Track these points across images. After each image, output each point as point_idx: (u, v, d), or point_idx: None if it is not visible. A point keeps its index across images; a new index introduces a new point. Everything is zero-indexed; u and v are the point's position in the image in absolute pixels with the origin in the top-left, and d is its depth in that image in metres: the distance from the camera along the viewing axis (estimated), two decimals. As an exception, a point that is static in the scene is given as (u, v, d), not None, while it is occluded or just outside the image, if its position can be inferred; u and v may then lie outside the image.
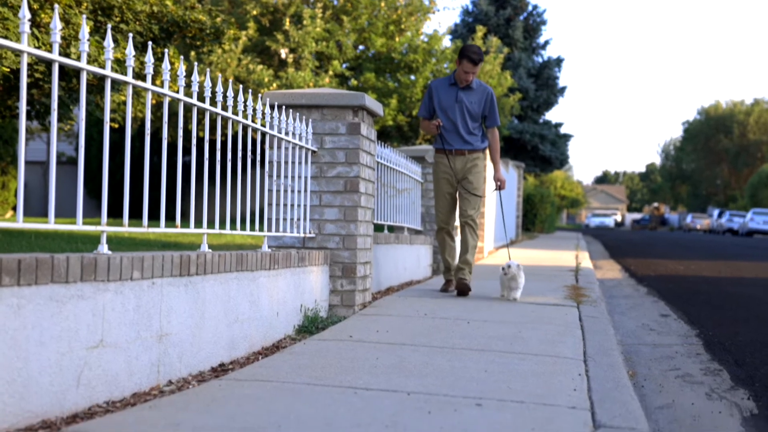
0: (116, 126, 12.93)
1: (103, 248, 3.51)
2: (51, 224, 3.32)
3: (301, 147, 5.75)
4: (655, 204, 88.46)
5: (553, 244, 20.76)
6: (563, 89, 34.70)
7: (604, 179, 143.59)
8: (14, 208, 17.43)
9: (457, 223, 7.87)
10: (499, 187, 7.70)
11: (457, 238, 7.95)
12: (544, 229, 32.15)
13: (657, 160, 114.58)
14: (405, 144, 20.94)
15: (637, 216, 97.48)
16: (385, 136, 20.10)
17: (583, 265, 12.71)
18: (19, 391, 2.91)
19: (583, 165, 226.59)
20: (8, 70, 8.27)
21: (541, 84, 33.90)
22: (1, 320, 2.83)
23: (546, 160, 33.66)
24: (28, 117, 11.02)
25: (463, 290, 7.34)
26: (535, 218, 31.56)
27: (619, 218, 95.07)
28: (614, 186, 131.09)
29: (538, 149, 32.87)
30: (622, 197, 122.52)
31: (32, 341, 2.96)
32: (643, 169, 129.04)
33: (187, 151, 17.41)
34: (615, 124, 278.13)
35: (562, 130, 34.80)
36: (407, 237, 9.03)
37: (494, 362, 4.27)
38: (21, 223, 3.18)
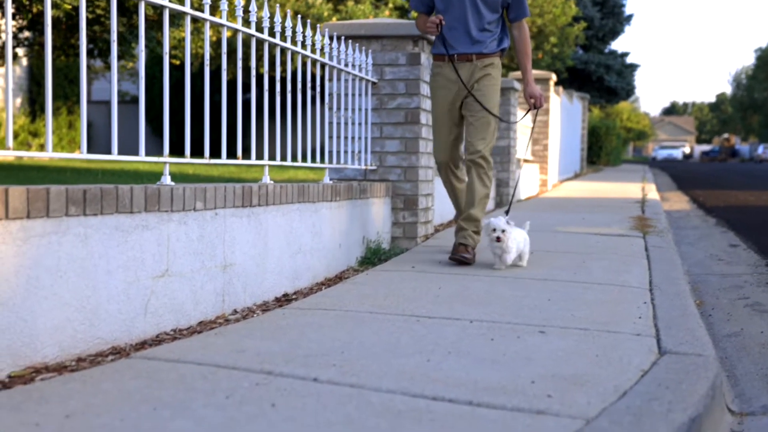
0: (177, 63, 12.98)
1: (166, 179, 3.54)
2: (114, 155, 3.35)
3: (361, 78, 5.71)
4: (725, 135, 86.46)
5: (618, 177, 20.46)
6: (629, 17, 33.85)
7: (672, 110, 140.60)
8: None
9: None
10: (534, 105, 5.32)
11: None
12: (609, 162, 31.68)
13: (727, 90, 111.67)
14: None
15: (706, 148, 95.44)
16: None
17: (649, 196, 12.51)
18: (89, 318, 2.98)
19: (651, 96, 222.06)
20: (70, 7, 8.32)
21: (607, 12, 33.10)
22: (69, 249, 2.88)
23: (611, 91, 33.02)
24: (91, 55, 11.12)
25: (461, 260, 5.11)
26: (600, 151, 31.09)
27: (687, 150, 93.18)
28: (682, 117, 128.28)
29: (603, 80, 32.24)
30: (691, 129, 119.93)
31: (100, 270, 3.02)
32: (712, 99, 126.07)
33: (246, 88, 17.43)
34: (684, 53, 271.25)
35: (629, 60, 34.09)
36: (470, 169, 8.97)
37: (557, 291, 4.24)
38: (85, 154, 3.22)
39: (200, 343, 3.08)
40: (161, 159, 3.58)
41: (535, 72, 14.23)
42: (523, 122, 12.13)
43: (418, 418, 2.22)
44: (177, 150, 11.81)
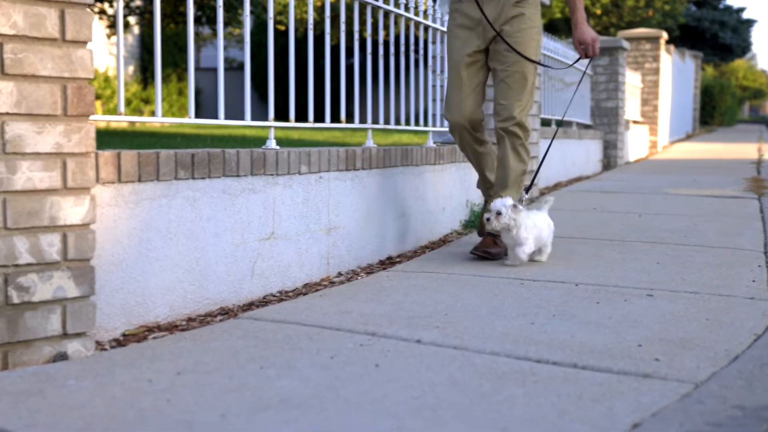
0: (282, 29, 13.08)
1: (272, 143, 3.59)
2: (221, 120, 3.42)
3: (464, 40, 5.64)
4: None
5: (732, 137, 19.80)
6: (745, -28, 32.49)
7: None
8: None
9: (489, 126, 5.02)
10: (586, 54, 4.11)
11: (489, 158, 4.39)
12: (723, 122, 30.67)
13: None
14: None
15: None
16: (552, 29, 19.53)
17: (766, 157, 12.07)
18: (198, 280, 3.06)
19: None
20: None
21: (721, -33, 31.88)
22: (178, 212, 2.96)
23: (726, 48, 31.85)
24: (199, 22, 11.33)
25: (485, 256, 4.06)
26: (714, 111, 30.12)
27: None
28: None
29: (717, 37, 31.10)
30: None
31: (208, 232, 3.09)
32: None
33: (350, 52, 17.48)
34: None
35: (744, 15, 32.80)
36: (575, 132, 8.82)
37: (667, 254, 4.14)
38: (193, 119, 3.29)
39: (305, 304, 3.13)
40: (266, 123, 3.63)
41: (645, 30, 13.85)
42: (630, 81, 11.85)
43: (521, 380, 2.21)
44: (282, 115, 12.01)
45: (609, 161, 10.39)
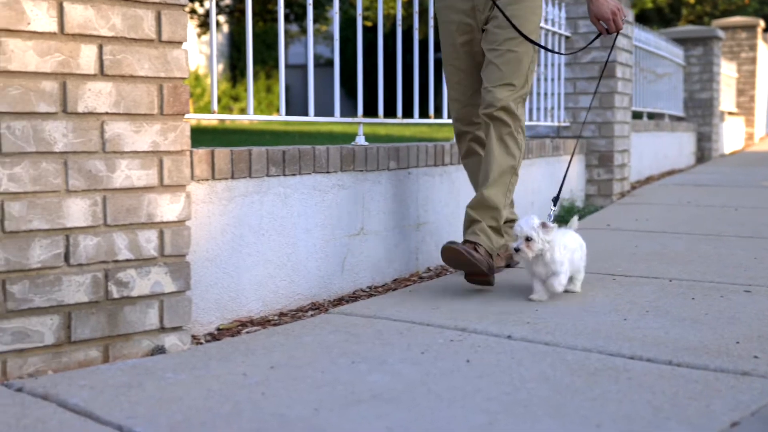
0: (369, 24, 13.14)
1: (361, 139, 3.61)
2: (311, 117, 3.46)
3: (553, 33, 5.59)
4: None
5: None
6: None
7: None
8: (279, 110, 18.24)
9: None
10: (608, 30, 3.42)
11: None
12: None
13: None
14: (665, 27, 19.86)
15: None
16: (643, 19, 19.15)
17: None
18: (289, 275, 3.10)
19: None
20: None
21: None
22: (270, 208, 3.01)
23: (825, 36, 30.73)
24: (287, 20, 11.46)
25: (470, 272, 3.24)
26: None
27: None
28: None
29: (816, 25, 30.04)
30: None
31: (299, 228, 3.13)
32: None
33: (438, 47, 17.45)
34: None
35: None
36: (668, 124, 8.64)
37: (765, 249, 4.03)
38: (284, 116, 3.33)
39: (395, 299, 3.15)
40: (355, 120, 3.66)
41: (741, 19, 13.47)
42: (725, 71, 11.54)
43: (614, 377, 2.18)
44: (369, 111, 12.08)
45: (703, 154, 10.15)
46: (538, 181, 5.07)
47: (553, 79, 5.68)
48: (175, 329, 2.51)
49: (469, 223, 3.31)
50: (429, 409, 1.98)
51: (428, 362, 2.35)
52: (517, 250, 3.04)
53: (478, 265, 3.12)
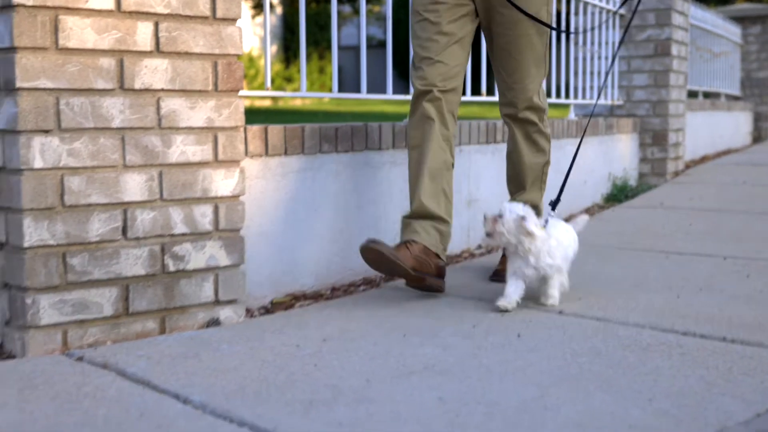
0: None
1: (412, 117, 3.61)
2: (363, 94, 3.47)
3: (607, 11, 5.53)
4: None
5: None
6: None
7: None
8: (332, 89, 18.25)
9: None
10: None
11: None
12: None
13: None
14: (722, 5, 19.49)
15: None
16: (699, -2, 18.81)
17: None
18: (342, 250, 3.13)
19: None
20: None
21: None
22: (322, 184, 3.03)
23: None
24: (340, 1, 11.48)
25: (391, 273, 2.81)
26: None
27: None
28: None
29: None
30: None
31: (351, 204, 3.16)
32: None
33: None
34: None
35: None
36: (724, 103, 8.50)
37: (822, 228, 3.97)
38: (336, 93, 3.36)
39: (447, 275, 3.15)
40: (407, 97, 3.66)
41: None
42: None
43: (667, 353, 2.17)
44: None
45: (760, 134, 9.96)
46: (591, 160, 5.03)
47: (606, 58, 5.62)
48: (229, 302, 2.56)
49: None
50: (480, 381, 1.99)
51: (479, 336, 2.36)
52: (488, 234, 2.63)
53: (400, 265, 2.63)
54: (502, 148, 3.97)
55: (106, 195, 2.31)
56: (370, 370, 2.07)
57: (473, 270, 3.24)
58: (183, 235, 2.46)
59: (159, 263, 2.42)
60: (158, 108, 2.39)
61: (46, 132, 2.21)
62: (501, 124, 3.98)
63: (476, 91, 4.21)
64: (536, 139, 3.09)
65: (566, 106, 5.15)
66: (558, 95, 5.04)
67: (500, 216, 2.59)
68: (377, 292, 2.92)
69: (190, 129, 2.45)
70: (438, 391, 1.92)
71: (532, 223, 2.57)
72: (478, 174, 3.84)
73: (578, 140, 4.74)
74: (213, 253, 2.51)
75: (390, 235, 3.32)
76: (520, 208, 2.62)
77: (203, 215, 2.49)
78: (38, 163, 2.20)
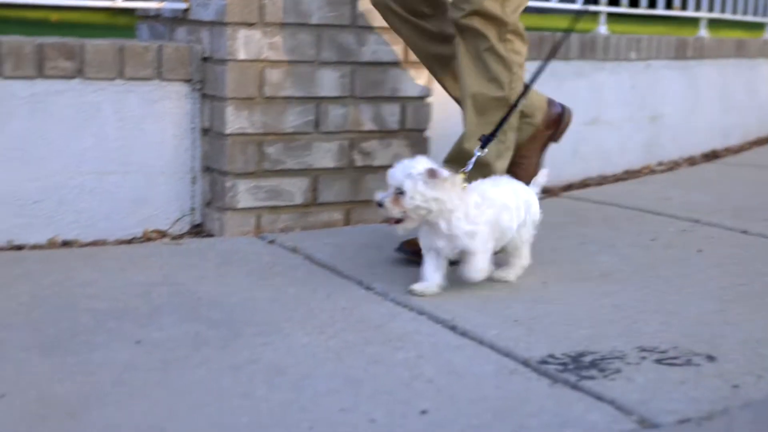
0: None
1: (603, 28, 3.55)
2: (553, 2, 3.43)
3: None
4: None
5: None
6: None
7: None
8: None
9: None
10: None
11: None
12: None
13: None
14: None
15: None
16: None
17: None
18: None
19: None
20: None
21: None
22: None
23: None
24: None
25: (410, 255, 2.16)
26: None
27: None
28: None
29: None
30: None
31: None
32: None
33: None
34: None
35: None
36: None
37: None
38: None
39: (625, 189, 3.14)
40: (598, 8, 3.59)
41: None
42: None
43: None
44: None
45: None
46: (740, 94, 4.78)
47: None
48: (411, 200, 2.64)
49: None
50: (657, 291, 2.00)
51: (658, 249, 2.35)
52: (380, 205, 1.90)
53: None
54: (692, 65, 3.87)
55: (302, 89, 2.42)
56: (545, 274, 2.10)
57: (654, 185, 3.21)
58: (371, 131, 2.54)
59: (347, 157, 2.52)
60: (354, 6, 2.46)
61: (250, 25, 2.32)
62: (693, 40, 3.85)
63: (668, 4, 4.07)
64: (487, 61, 2.19)
65: (762, 26, 4.89)
66: (756, 14, 4.79)
67: (400, 192, 1.86)
68: (555, 201, 2.94)
69: (382, 29, 2.51)
70: (613, 298, 1.94)
71: (440, 170, 1.86)
72: (664, 90, 3.74)
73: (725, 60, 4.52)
74: (398, 151, 2.59)
75: (570, 146, 3.31)
76: (418, 162, 1.88)
77: (391, 114, 2.57)
78: (242, 55, 2.32)
